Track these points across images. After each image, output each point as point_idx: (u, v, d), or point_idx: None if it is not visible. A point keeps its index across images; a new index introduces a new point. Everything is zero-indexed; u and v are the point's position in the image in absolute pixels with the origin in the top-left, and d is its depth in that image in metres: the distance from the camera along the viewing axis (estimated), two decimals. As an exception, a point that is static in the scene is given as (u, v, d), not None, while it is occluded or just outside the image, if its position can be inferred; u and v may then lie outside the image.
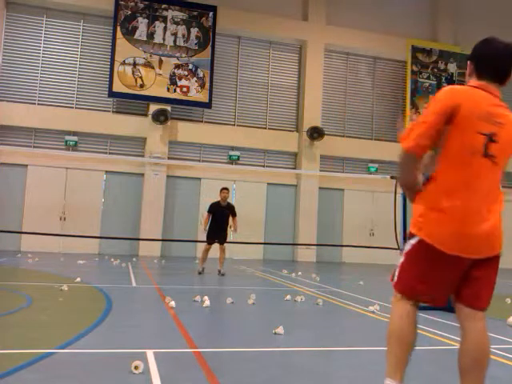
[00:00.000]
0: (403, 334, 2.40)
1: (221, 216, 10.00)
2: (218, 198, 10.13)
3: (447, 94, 2.40)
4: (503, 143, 2.35)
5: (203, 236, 10.57)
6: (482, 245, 2.32)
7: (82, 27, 15.79)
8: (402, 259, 2.45)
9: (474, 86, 2.46)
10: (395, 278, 2.47)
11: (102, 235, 14.85)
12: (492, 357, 4.03)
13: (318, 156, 17.01)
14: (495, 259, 2.42)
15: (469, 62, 2.61)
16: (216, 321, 5.27)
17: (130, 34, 15.53)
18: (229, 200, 10.33)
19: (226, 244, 10.25)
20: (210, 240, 10.06)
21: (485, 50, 2.52)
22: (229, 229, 10.31)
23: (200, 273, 9.98)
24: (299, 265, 14.48)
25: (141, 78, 15.52)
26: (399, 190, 7.04)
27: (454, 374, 3.53)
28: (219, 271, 10.03)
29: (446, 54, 18.57)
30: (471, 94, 2.39)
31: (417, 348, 4.31)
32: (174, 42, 15.93)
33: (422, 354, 4.12)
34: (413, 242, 2.39)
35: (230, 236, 15.80)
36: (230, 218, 10.14)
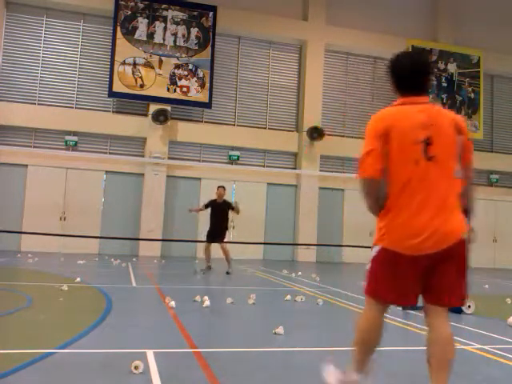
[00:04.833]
0: (369, 336, 2.62)
1: (218, 212, 10.36)
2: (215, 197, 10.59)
3: (377, 119, 2.59)
4: (439, 140, 2.50)
5: (203, 235, 10.79)
6: (431, 241, 2.43)
7: (82, 27, 15.79)
8: (369, 265, 2.64)
9: (400, 104, 2.63)
10: (365, 283, 2.65)
11: (102, 235, 14.85)
12: (492, 357, 4.04)
13: (317, 156, 17.01)
14: (453, 253, 2.50)
15: (391, 81, 2.74)
16: (216, 321, 5.27)
17: (130, 34, 15.52)
18: (228, 200, 10.80)
19: (227, 243, 10.54)
20: (209, 239, 10.40)
21: (398, 68, 2.68)
22: (229, 225, 10.74)
23: (204, 272, 10.25)
24: (299, 265, 14.48)
25: (141, 77, 15.52)
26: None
27: (453, 374, 3.53)
28: (227, 272, 10.17)
29: (445, 54, 18.57)
30: (398, 112, 2.57)
31: (415, 348, 4.32)
32: (174, 42, 15.93)
33: (421, 354, 4.12)
34: (377, 249, 2.60)
35: (230, 236, 15.95)
36: (230, 215, 10.59)
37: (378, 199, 2.58)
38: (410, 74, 2.63)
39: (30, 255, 12.31)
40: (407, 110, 2.57)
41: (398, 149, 2.48)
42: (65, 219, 15.02)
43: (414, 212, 2.46)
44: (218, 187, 10.62)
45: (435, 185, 2.49)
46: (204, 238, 10.74)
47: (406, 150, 2.48)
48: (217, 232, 10.32)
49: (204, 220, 12.04)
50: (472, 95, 18.68)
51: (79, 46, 15.73)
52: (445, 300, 2.53)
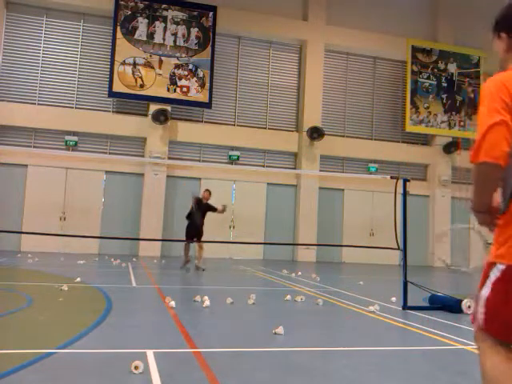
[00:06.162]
0: None
1: (199, 214, 11.09)
2: (209, 199, 11.19)
3: (501, 83, 1.93)
4: None
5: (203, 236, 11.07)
6: None
7: (82, 27, 15.80)
8: (486, 292, 1.95)
9: None
10: (481, 317, 1.96)
11: (102, 235, 14.84)
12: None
13: (317, 156, 17.01)
14: None
15: (504, 35, 2.12)
16: (216, 321, 5.27)
17: (130, 34, 15.53)
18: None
19: (204, 242, 11.21)
20: (189, 238, 11.09)
21: None
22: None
23: (182, 267, 10.97)
24: (299, 265, 14.48)
25: (141, 77, 15.52)
26: (399, 190, 7.04)
27: (454, 374, 3.54)
28: (198, 267, 10.84)
29: (445, 54, 18.57)
30: None
31: (417, 348, 4.32)
32: (174, 42, 15.93)
33: (421, 354, 4.12)
34: (501, 268, 1.91)
35: (230, 235, 15.96)
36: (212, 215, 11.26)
37: (494, 193, 1.93)
38: None
39: (29, 255, 12.31)
40: None
41: None
42: (65, 219, 15.02)
43: None
44: (205, 190, 11.42)
45: None
46: (204, 239, 11.11)
47: None
48: (196, 231, 10.97)
49: (205, 220, 12.01)
50: (472, 95, 18.68)
51: (79, 46, 15.74)
52: None
